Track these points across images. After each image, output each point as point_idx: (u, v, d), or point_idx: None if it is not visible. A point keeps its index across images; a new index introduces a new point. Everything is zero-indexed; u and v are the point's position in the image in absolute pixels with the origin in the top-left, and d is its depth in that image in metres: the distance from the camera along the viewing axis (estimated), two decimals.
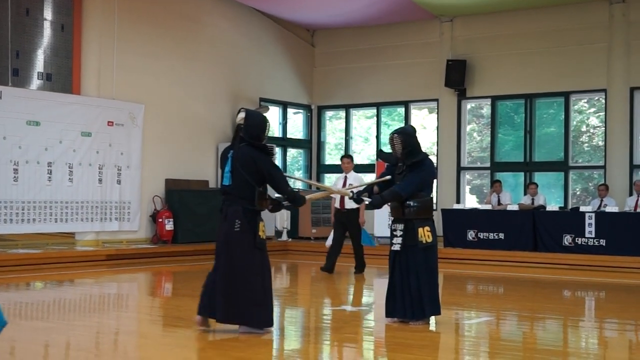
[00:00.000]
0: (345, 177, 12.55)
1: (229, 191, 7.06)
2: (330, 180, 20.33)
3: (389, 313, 7.78)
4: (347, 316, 8.70)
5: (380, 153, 10.15)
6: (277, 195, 7.41)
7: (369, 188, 7.98)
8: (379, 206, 7.91)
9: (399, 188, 7.56)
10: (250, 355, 6.42)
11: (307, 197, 7.73)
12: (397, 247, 7.67)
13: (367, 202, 7.89)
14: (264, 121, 7.19)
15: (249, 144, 7.04)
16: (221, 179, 7.17)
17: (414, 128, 8.03)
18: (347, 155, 13.17)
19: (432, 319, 7.73)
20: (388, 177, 7.81)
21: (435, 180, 8.64)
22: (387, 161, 8.08)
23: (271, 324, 7.12)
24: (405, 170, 7.75)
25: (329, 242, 13.01)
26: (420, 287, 7.52)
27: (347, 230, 12.61)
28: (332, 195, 11.36)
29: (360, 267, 12.71)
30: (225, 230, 6.99)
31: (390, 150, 7.88)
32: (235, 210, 6.95)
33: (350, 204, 12.26)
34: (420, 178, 7.66)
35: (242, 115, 7.18)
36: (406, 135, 7.72)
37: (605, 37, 16.86)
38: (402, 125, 19.60)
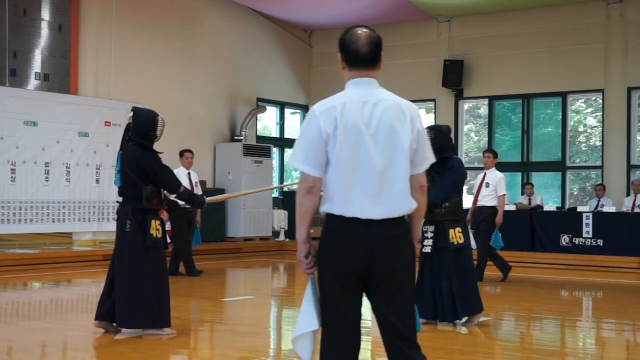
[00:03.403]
0: (189, 173, 12.11)
1: (121, 192, 7.00)
2: None
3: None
4: None
5: None
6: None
7: None
8: None
9: (433, 196, 7.49)
10: (247, 355, 6.42)
11: (209, 199, 7.54)
12: (427, 249, 7.65)
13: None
14: (153, 119, 7.00)
15: (135, 142, 6.94)
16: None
17: (449, 128, 8.00)
18: (188, 150, 12.49)
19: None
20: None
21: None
22: None
23: (167, 324, 6.90)
24: (433, 168, 7.75)
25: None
26: (452, 288, 7.52)
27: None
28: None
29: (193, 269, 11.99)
30: (119, 232, 6.92)
31: None
32: (126, 211, 6.87)
33: None
34: (451, 181, 7.64)
35: (131, 114, 7.07)
36: (438, 132, 7.71)
37: (602, 37, 16.87)
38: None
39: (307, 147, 3.48)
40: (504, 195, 11.52)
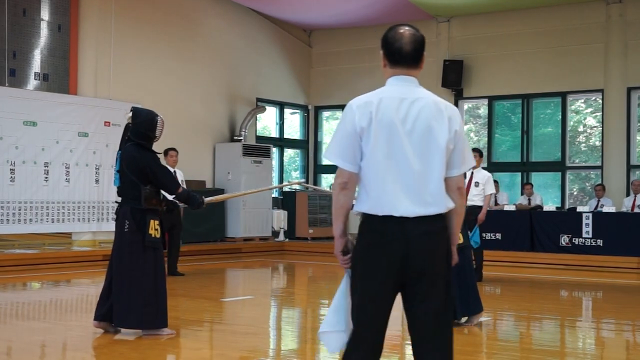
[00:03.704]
0: (175, 171, 11.96)
1: (120, 192, 7.00)
2: (328, 181, 20.33)
3: None
4: None
5: None
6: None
7: None
8: None
9: None
10: (247, 355, 6.42)
11: (208, 199, 7.49)
12: None
13: None
14: (153, 119, 6.98)
15: (134, 143, 6.94)
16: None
17: None
18: (173, 149, 12.31)
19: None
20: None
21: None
22: None
23: (164, 324, 6.92)
24: None
25: None
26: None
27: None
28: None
29: (175, 268, 11.93)
30: (117, 232, 6.95)
31: None
32: (124, 211, 6.89)
33: None
34: None
35: (130, 114, 7.03)
36: None
37: (602, 37, 16.87)
38: None
39: (341, 141, 3.45)
40: (491, 194, 11.55)
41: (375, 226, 3.41)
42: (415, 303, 3.45)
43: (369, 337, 3.45)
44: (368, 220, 3.44)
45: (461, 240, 7.57)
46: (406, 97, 3.45)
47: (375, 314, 3.43)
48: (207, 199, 7.52)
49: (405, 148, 3.39)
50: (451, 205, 3.47)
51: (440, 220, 3.44)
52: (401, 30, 3.54)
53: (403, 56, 3.52)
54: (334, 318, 3.55)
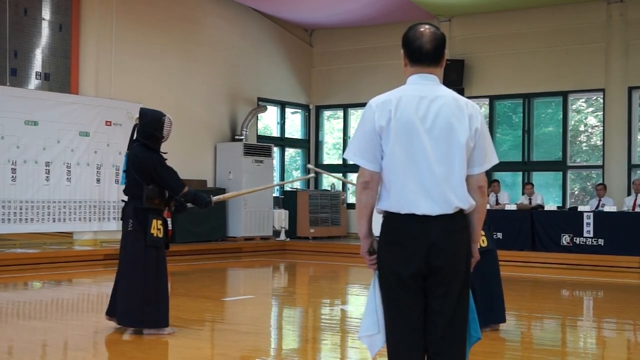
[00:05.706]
0: None
1: (125, 191, 7.04)
2: (329, 180, 20.32)
3: None
4: (346, 316, 8.70)
5: None
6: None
7: None
8: None
9: None
10: (248, 354, 6.43)
11: (215, 198, 7.48)
12: None
13: None
14: (160, 119, 7.02)
15: (140, 143, 6.97)
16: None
17: None
18: None
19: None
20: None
21: None
22: None
23: (166, 324, 6.94)
24: None
25: None
26: (474, 295, 7.15)
27: None
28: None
29: None
30: (122, 231, 7.01)
31: None
32: (129, 210, 6.93)
33: None
34: None
35: (136, 115, 7.06)
36: None
37: (603, 37, 16.86)
38: None
39: (361, 140, 3.43)
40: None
41: (398, 224, 3.39)
42: (431, 298, 3.42)
43: (410, 339, 3.41)
44: (390, 218, 3.42)
45: (485, 244, 7.18)
46: (426, 96, 3.43)
47: (410, 315, 3.39)
48: (215, 198, 7.52)
49: (425, 146, 3.36)
50: (472, 202, 3.46)
51: (461, 219, 3.43)
52: (421, 29, 3.52)
53: (423, 54, 3.51)
54: (367, 322, 3.54)
